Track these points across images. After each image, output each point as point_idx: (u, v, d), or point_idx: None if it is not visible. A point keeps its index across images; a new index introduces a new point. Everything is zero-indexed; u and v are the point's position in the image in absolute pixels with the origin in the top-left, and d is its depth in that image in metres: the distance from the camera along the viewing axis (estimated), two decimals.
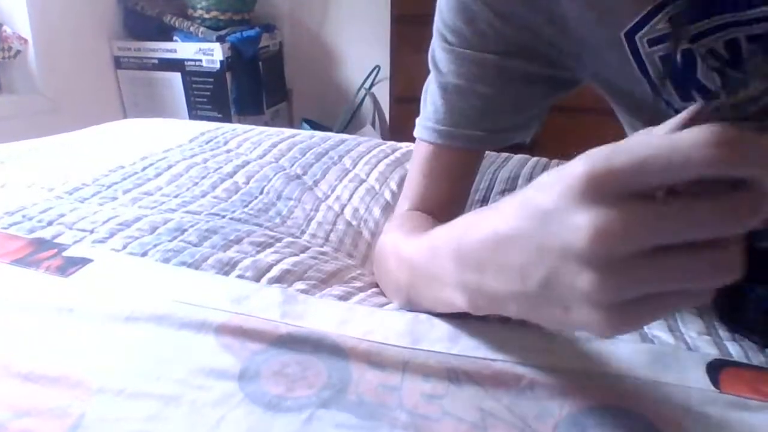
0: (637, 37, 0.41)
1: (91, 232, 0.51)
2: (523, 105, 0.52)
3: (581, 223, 0.22)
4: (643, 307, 0.23)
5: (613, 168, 0.22)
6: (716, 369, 0.33)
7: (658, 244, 0.22)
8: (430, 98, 0.52)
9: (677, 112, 0.44)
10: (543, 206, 0.24)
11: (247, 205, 0.63)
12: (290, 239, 0.56)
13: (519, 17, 0.46)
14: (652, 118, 0.49)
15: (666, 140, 0.21)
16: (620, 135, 0.63)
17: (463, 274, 0.31)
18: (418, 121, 0.54)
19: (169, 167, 0.71)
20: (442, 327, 0.37)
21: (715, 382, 0.32)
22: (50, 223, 0.52)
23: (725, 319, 0.41)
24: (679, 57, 0.40)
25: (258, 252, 0.51)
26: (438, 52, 0.51)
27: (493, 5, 0.47)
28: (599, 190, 0.22)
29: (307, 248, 0.55)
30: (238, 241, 0.52)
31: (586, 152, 0.23)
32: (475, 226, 0.30)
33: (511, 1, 0.46)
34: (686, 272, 0.22)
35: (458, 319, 0.39)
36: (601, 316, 0.24)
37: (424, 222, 0.49)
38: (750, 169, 0.21)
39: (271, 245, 0.52)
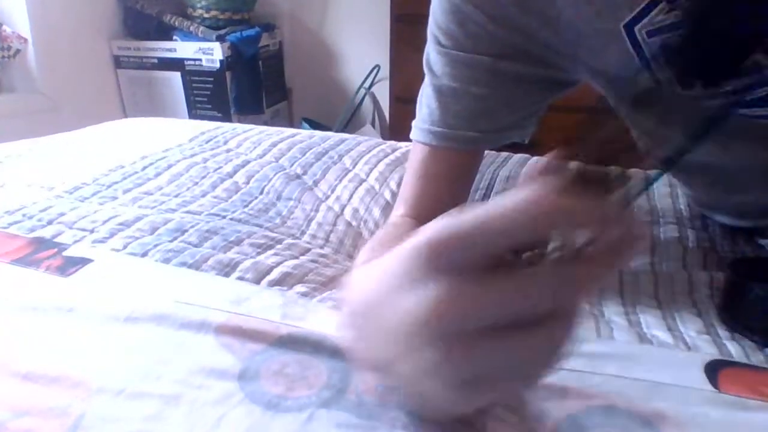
0: (636, 29, 0.41)
1: (92, 231, 0.51)
2: (518, 105, 0.52)
3: (420, 300, 0.22)
4: (481, 389, 0.23)
5: (447, 238, 0.21)
6: (714, 369, 0.33)
7: (496, 322, 0.21)
8: (425, 100, 0.53)
9: (675, 100, 0.44)
10: (395, 278, 0.24)
11: (247, 205, 0.63)
12: (290, 241, 0.56)
13: (511, 19, 0.46)
14: (651, 108, 0.49)
15: (495, 205, 0.21)
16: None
17: (354, 333, 0.30)
18: (413, 123, 0.54)
19: (169, 167, 0.71)
20: None
21: (713, 382, 0.32)
22: (50, 222, 0.52)
23: (724, 318, 0.41)
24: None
25: (258, 254, 0.51)
26: (432, 54, 0.52)
27: (484, 8, 0.47)
28: (435, 263, 0.22)
29: (308, 250, 0.55)
30: (239, 242, 0.52)
31: (435, 220, 0.22)
32: (358, 286, 0.29)
33: (502, 4, 0.46)
34: (522, 352, 0.22)
35: None
36: (448, 393, 0.23)
37: (400, 237, 0.49)
38: (574, 226, 0.21)
39: (271, 247, 0.53)
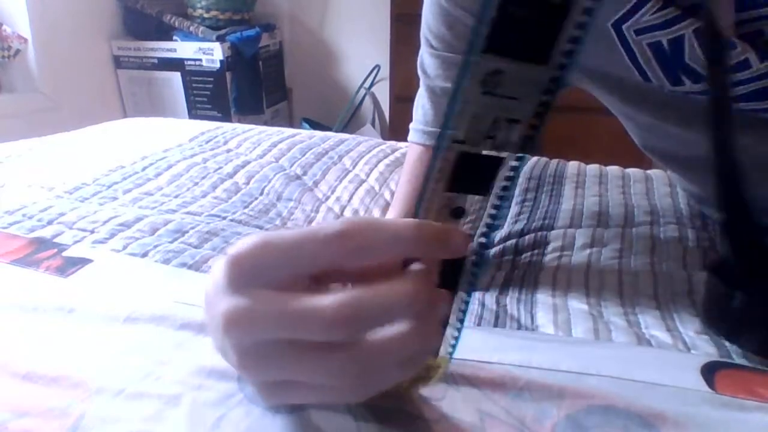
0: (624, 27, 0.41)
1: (92, 232, 0.51)
2: None
3: (220, 309, 0.23)
4: (289, 390, 0.24)
5: (242, 257, 0.23)
6: (711, 371, 0.33)
7: (286, 337, 0.22)
8: (420, 102, 0.54)
9: (668, 95, 0.44)
10: (211, 284, 0.26)
11: (247, 206, 0.63)
12: None
13: None
14: (644, 104, 0.50)
15: (293, 232, 0.22)
16: (618, 132, 0.63)
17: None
18: (410, 125, 0.55)
19: (169, 167, 0.71)
20: None
21: (710, 383, 0.32)
22: (50, 222, 0.53)
23: (709, 323, 0.41)
24: (666, 44, 0.40)
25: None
26: (425, 57, 0.53)
27: (472, 11, 0.47)
28: (234, 278, 0.23)
29: None
30: None
31: (246, 238, 0.24)
32: (208, 279, 0.30)
33: None
34: (309, 369, 0.23)
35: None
36: (256, 390, 0.25)
37: None
38: (362, 259, 0.22)
39: None
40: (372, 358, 0.23)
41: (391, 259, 0.23)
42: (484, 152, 0.22)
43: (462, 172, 0.23)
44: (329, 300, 0.22)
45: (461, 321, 0.28)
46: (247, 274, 0.23)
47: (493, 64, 0.20)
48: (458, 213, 0.25)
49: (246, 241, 0.23)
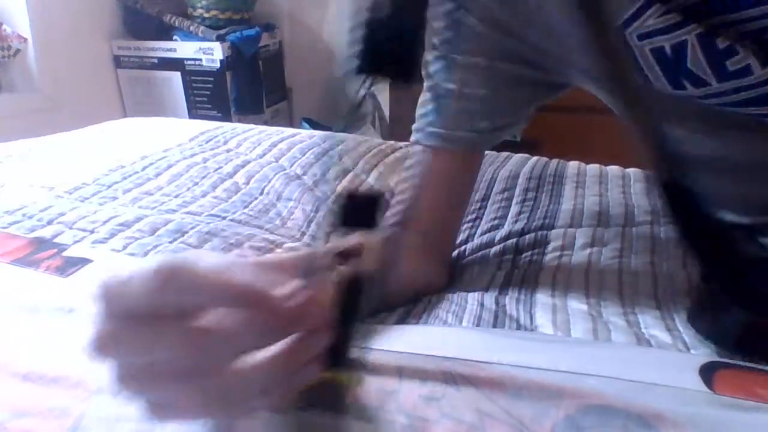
0: (627, 33, 0.41)
1: (92, 232, 0.51)
2: (512, 107, 0.53)
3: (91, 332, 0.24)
4: (170, 409, 0.25)
5: (106, 287, 0.24)
6: (710, 371, 0.33)
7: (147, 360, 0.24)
8: (423, 103, 0.54)
9: (669, 99, 0.44)
10: None
11: (247, 206, 0.63)
12: (290, 243, 0.56)
13: (503, 23, 0.47)
14: (647, 107, 0.50)
15: (141, 269, 0.23)
16: (618, 132, 0.63)
17: None
18: (413, 126, 0.55)
19: (169, 167, 0.71)
20: (435, 332, 0.38)
21: (709, 383, 0.32)
22: (50, 222, 0.53)
23: (694, 324, 0.40)
24: (668, 49, 0.40)
25: (259, 256, 0.51)
26: (429, 58, 0.53)
27: (475, 12, 0.48)
28: (103, 304, 0.24)
29: None
30: (239, 244, 0.52)
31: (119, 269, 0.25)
32: None
33: (492, 8, 0.47)
34: (175, 390, 0.24)
35: (450, 324, 0.39)
36: (141, 407, 0.26)
37: None
38: (191, 298, 0.23)
39: (271, 251, 0.53)
40: (232, 382, 0.24)
41: (209, 305, 0.24)
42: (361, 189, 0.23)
43: (347, 210, 0.24)
44: (180, 325, 0.23)
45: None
46: (107, 305, 0.24)
47: (364, 88, 0.21)
48: (346, 255, 0.26)
49: (113, 271, 0.25)
